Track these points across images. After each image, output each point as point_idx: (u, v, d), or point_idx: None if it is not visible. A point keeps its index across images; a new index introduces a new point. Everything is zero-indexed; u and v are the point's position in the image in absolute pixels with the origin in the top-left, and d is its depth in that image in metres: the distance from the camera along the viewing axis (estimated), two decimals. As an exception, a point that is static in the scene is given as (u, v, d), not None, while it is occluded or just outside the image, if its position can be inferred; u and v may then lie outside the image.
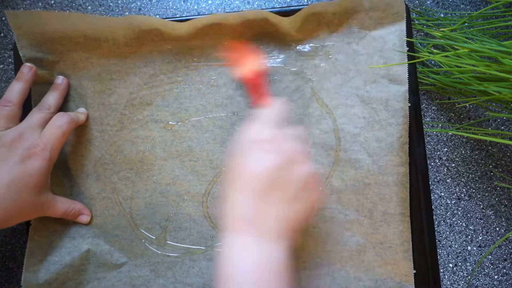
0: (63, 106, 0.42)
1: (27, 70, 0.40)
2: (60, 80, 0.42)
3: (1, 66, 0.46)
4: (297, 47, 0.42)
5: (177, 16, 0.46)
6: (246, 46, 0.42)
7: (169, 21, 0.40)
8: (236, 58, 0.41)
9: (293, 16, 0.40)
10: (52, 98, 0.40)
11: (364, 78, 0.41)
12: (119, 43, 0.41)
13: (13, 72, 0.46)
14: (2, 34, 0.46)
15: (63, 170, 0.42)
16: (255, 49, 0.42)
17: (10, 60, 0.46)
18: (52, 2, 0.46)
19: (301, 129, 0.38)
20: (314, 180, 0.32)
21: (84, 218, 0.41)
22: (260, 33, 0.42)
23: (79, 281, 0.41)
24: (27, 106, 0.41)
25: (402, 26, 0.40)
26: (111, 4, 0.46)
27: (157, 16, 0.46)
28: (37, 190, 0.37)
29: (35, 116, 0.39)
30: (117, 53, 0.42)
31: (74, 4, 0.46)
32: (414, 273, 0.40)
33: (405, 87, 0.40)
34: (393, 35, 0.40)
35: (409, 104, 0.40)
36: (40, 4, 0.46)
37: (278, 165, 0.31)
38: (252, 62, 0.41)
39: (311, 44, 0.42)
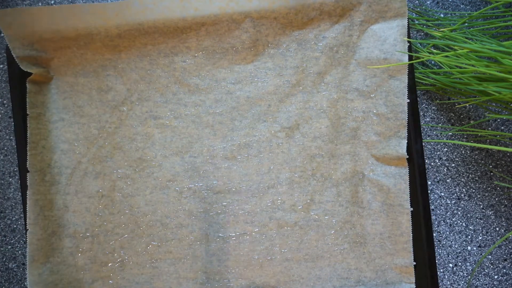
0: (61, 104, 0.42)
1: None
2: None
3: (1, 66, 0.46)
4: (298, 39, 0.42)
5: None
6: None
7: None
8: None
9: None
10: None
11: (364, 72, 0.42)
12: (112, 35, 0.41)
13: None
14: (1, 34, 0.46)
15: (60, 169, 0.42)
16: None
17: (10, 59, 0.46)
18: (52, 2, 0.46)
19: None
20: None
21: None
22: (258, 21, 0.41)
23: (84, 280, 0.41)
24: (23, 106, 0.41)
25: (404, 21, 0.40)
26: (111, 4, 0.47)
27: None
28: None
29: None
30: (110, 46, 0.41)
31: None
32: (414, 265, 0.41)
33: (405, 82, 0.40)
34: (394, 30, 0.40)
35: (408, 100, 0.40)
36: (40, 4, 0.46)
37: None
38: None
39: (312, 35, 0.42)
